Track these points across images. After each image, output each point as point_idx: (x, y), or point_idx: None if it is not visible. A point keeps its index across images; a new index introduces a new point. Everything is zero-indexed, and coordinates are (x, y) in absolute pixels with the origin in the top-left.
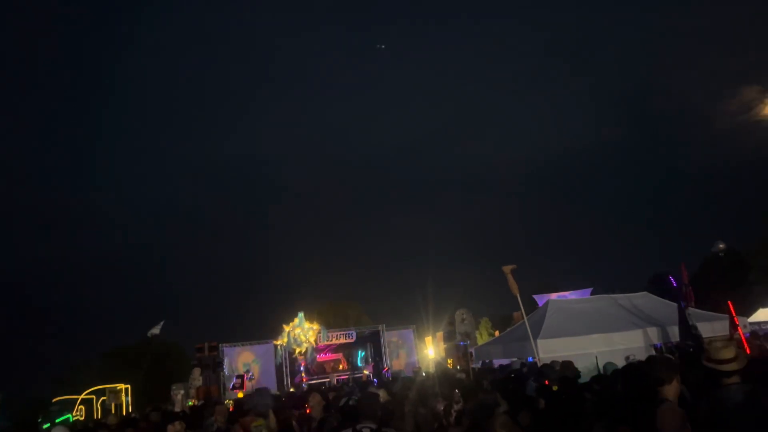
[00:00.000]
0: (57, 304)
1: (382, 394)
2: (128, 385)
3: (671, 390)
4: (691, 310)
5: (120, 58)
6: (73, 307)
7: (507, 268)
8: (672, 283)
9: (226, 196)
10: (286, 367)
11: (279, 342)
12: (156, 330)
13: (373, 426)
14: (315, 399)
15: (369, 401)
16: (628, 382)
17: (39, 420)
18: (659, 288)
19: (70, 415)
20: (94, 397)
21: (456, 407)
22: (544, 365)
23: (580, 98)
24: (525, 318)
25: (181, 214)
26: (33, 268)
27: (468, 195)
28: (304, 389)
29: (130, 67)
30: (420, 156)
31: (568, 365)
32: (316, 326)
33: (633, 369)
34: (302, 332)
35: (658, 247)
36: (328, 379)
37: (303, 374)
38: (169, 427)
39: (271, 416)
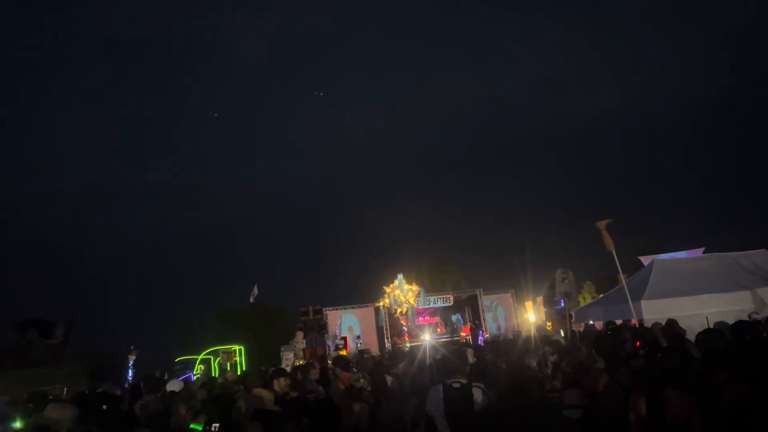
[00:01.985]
0: (177, 269)
1: (469, 355)
2: (241, 346)
3: None
4: None
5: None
6: (190, 273)
7: (601, 224)
8: None
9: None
10: (386, 329)
11: (381, 303)
12: (255, 292)
13: (463, 380)
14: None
15: (457, 358)
16: (738, 336)
17: (165, 378)
18: None
19: (191, 373)
20: (211, 357)
21: (552, 359)
22: (640, 326)
23: (693, 45)
24: (622, 277)
25: (289, 188)
26: (165, 240)
27: (570, 152)
28: (406, 349)
29: (213, 49)
30: (514, 113)
31: (672, 323)
32: (415, 287)
33: (745, 324)
34: (402, 293)
35: None
36: (426, 342)
37: (406, 334)
38: (275, 382)
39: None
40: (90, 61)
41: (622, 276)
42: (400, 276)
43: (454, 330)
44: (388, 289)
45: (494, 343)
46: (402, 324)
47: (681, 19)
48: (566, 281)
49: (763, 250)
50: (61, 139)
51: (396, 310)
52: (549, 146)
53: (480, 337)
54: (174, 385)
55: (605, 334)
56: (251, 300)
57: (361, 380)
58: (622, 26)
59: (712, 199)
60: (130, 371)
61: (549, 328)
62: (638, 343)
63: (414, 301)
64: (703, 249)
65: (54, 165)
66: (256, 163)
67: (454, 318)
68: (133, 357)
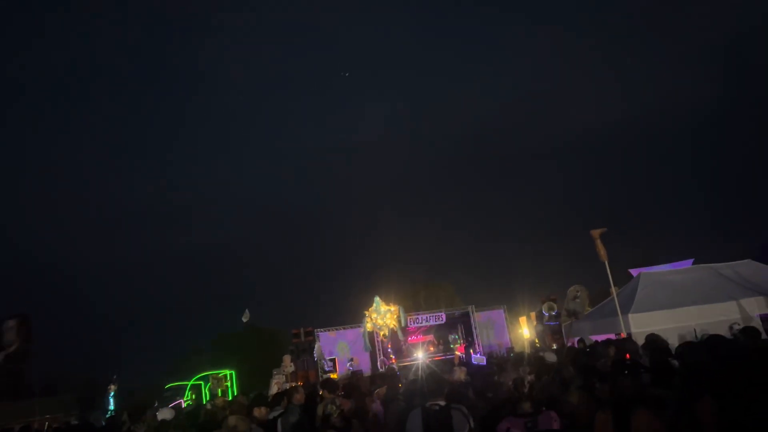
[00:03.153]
0: (169, 296)
1: (461, 374)
2: (233, 371)
3: None
4: None
5: (203, 49)
6: (183, 299)
7: (596, 232)
8: None
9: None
10: (379, 350)
11: (362, 328)
12: (246, 317)
13: (443, 402)
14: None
15: (435, 380)
16: (712, 351)
17: (155, 404)
18: None
19: (182, 400)
20: (201, 383)
21: (529, 378)
22: (622, 339)
23: (683, 55)
24: (613, 290)
25: (280, 207)
26: (151, 264)
27: (563, 165)
28: (394, 370)
29: (213, 63)
30: (509, 129)
31: (653, 338)
32: (394, 308)
33: (717, 338)
34: (379, 316)
35: None
36: (419, 361)
37: (391, 356)
38: (255, 410)
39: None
40: (73, 82)
41: (612, 288)
42: (376, 299)
43: (448, 348)
44: (368, 313)
45: (493, 359)
46: (387, 346)
47: (676, 33)
48: (577, 299)
49: (748, 260)
50: (49, 160)
51: (379, 333)
52: (544, 161)
53: (474, 355)
54: (165, 414)
55: (583, 351)
56: (244, 321)
57: (329, 406)
58: (621, 41)
59: (708, 211)
60: (111, 401)
61: (537, 344)
62: (627, 355)
63: (394, 322)
64: (692, 260)
65: (42, 188)
66: (246, 180)
67: (451, 338)
68: (114, 387)
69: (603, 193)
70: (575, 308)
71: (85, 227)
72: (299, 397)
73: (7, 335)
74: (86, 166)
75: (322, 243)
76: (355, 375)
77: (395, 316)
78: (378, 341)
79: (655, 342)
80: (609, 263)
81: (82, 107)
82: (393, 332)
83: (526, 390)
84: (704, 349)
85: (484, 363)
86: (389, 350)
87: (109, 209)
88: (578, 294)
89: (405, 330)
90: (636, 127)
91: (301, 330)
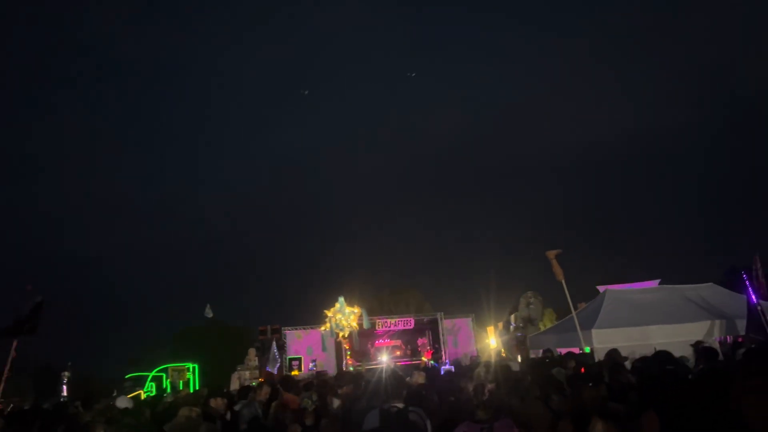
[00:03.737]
0: (135, 289)
1: (419, 378)
2: (195, 364)
3: None
4: (763, 303)
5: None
6: (149, 291)
7: (551, 253)
8: (743, 276)
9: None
10: (343, 351)
11: (322, 328)
12: (208, 312)
13: (401, 405)
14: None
15: (396, 382)
16: (660, 366)
17: (113, 395)
18: (734, 281)
19: (141, 391)
20: (163, 374)
21: (489, 387)
22: (583, 353)
23: (653, 78)
24: (572, 307)
25: (251, 205)
26: (113, 257)
27: (537, 183)
28: (355, 372)
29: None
30: (484, 142)
31: (613, 353)
32: (357, 310)
33: (664, 355)
34: (343, 317)
35: (740, 240)
36: (384, 365)
37: (349, 358)
38: (211, 401)
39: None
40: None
41: (571, 305)
42: (341, 299)
43: (415, 353)
44: (329, 313)
45: (460, 367)
46: (345, 347)
47: (657, 59)
48: (531, 306)
49: (711, 284)
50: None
51: (338, 334)
52: (519, 175)
53: (445, 366)
54: (123, 402)
55: (542, 362)
56: (207, 316)
57: (305, 400)
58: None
59: (678, 233)
60: (64, 388)
61: (503, 355)
62: (582, 369)
63: (356, 323)
64: (659, 281)
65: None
66: (226, 172)
67: (420, 343)
68: (68, 374)
69: (577, 209)
70: (530, 315)
71: (54, 215)
72: (264, 393)
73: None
74: (46, 156)
75: (294, 242)
76: (319, 375)
77: (357, 317)
78: (335, 342)
79: (613, 358)
80: (581, 278)
81: (55, 97)
82: (353, 334)
83: (485, 397)
84: (657, 365)
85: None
86: (347, 352)
87: (77, 201)
88: (531, 300)
89: (372, 332)
90: (613, 147)
91: (268, 327)
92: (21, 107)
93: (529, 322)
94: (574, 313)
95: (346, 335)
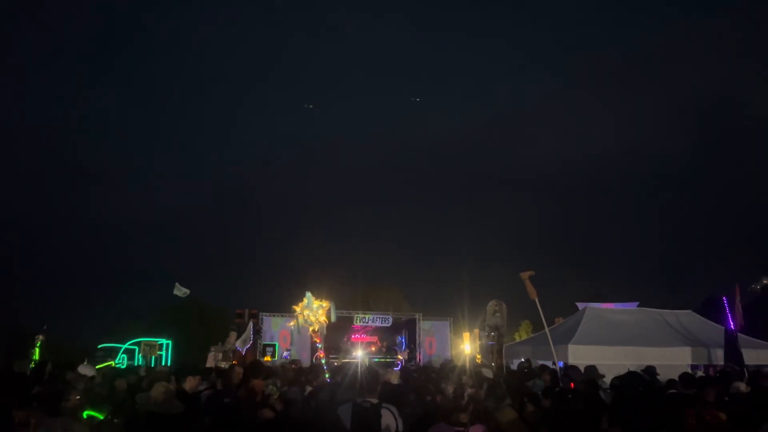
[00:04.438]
0: (115, 260)
1: (394, 377)
2: (169, 341)
3: None
4: (741, 337)
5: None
6: (130, 264)
7: (524, 274)
8: (724, 305)
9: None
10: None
11: (291, 323)
12: (179, 290)
13: (375, 401)
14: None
15: (371, 378)
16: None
17: (84, 363)
18: (711, 311)
19: (112, 362)
20: (136, 348)
21: (470, 391)
22: (569, 367)
23: (645, 107)
24: (546, 325)
25: (230, 184)
26: (100, 227)
27: (526, 196)
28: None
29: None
30: (469, 151)
31: (591, 369)
32: (325, 303)
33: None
34: (311, 313)
35: (722, 269)
36: (359, 360)
37: (321, 351)
38: (188, 380)
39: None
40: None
41: (545, 322)
42: (308, 294)
43: (390, 351)
44: (297, 309)
45: (426, 367)
46: (316, 341)
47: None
48: (497, 314)
49: (689, 311)
50: None
51: (309, 329)
52: (503, 187)
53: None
54: (85, 370)
55: (521, 371)
56: (179, 295)
57: (270, 387)
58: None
59: (658, 259)
60: (37, 351)
61: (479, 361)
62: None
63: (324, 318)
64: (637, 303)
65: None
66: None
67: (398, 341)
68: (41, 337)
69: (558, 226)
70: (496, 323)
71: (42, 181)
72: (237, 376)
73: None
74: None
75: (279, 230)
76: (294, 363)
77: (325, 311)
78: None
79: (590, 374)
80: (558, 293)
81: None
82: (322, 328)
83: (464, 402)
84: (633, 384)
85: None
86: (318, 345)
87: (66, 167)
88: (498, 309)
89: (348, 326)
90: (598, 168)
91: (246, 311)
92: None
93: (495, 329)
94: (547, 329)
95: (316, 329)
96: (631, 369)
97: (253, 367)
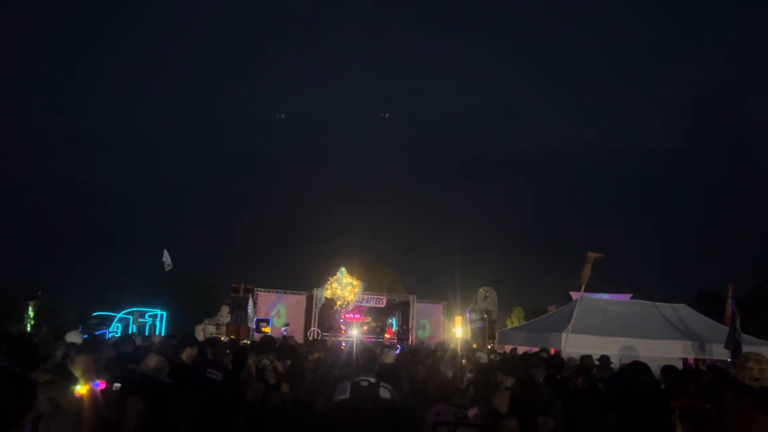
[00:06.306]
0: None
1: (389, 358)
2: (164, 312)
3: None
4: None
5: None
6: (126, 234)
7: (592, 255)
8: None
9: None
10: (314, 320)
11: (317, 292)
12: (166, 259)
13: (372, 380)
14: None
15: (369, 357)
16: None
17: (79, 330)
18: (705, 305)
19: (106, 330)
20: (130, 317)
21: (468, 376)
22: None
23: (656, 102)
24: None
25: (238, 162)
26: (92, 194)
27: (534, 183)
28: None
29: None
30: (470, 135)
31: (587, 358)
32: (356, 283)
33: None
34: (340, 287)
35: (718, 266)
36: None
37: (342, 328)
38: (186, 350)
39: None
40: None
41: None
42: (342, 270)
43: (383, 332)
44: (331, 280)
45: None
46: (340, 317)
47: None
48: (488, 299)
49: (683, 305)
50: None
51: (336, 303)
52: (501, 171)
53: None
54: (73, 337)
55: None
56: (166, 267)
57: (264, 361)
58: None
59: (653, 252)
60: (30, 315)
61: (474, 346)
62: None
63: (353, 296)
64: (631, 295)
65: None
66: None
67: (388, 322)
68: (34, 303)
69: (556, 215)
70: (487, 307)
71: (48, 146)
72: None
73: None
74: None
75: (277, 210)
76: (286, 340)
77: (356, 291)
78: (319, 311)
79: (586, 364)
80: (550, 283)
81: None
82: (346, 304)
83: (463, 386)
84: (634, 376)
85: None
86: (341, 320)
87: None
88: (487, 294)
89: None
90: (595, 161)
91: (241, 286)
92: None
93: (486, 313)
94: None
95: (343, 304)
96: (622, 359)
97: (261, 344)
